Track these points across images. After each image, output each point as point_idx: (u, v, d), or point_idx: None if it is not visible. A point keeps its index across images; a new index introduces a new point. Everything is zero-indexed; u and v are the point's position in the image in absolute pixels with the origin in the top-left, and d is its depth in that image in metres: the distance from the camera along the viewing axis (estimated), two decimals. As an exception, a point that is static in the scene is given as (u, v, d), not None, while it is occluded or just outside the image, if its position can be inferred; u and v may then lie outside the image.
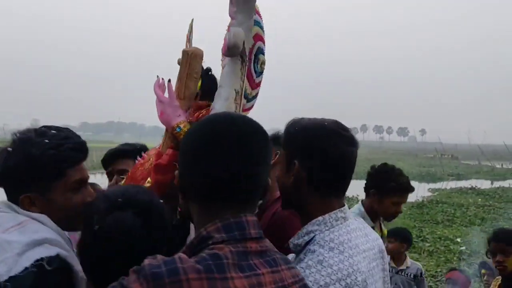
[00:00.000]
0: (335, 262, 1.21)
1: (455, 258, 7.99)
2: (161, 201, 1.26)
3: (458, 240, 9.24)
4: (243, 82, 1.84)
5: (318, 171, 1.30)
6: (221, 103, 1.64)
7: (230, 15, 1.84)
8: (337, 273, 1.19)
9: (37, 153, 1.31)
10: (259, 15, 2.14)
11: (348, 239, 1.28)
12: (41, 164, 1.30)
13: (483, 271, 3.58)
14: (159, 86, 1.94)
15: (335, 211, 1.32)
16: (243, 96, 2.05)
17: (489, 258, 3.00)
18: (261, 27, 2.10)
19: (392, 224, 11.60)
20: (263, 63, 2.09)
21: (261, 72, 2.15)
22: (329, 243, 1.25)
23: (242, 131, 1.02)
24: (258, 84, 2.18)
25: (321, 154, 1.30)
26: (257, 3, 2.11)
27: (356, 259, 1.24)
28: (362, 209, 2.83)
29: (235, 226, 0.98)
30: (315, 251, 1.25)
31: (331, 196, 1.34)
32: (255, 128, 1.06)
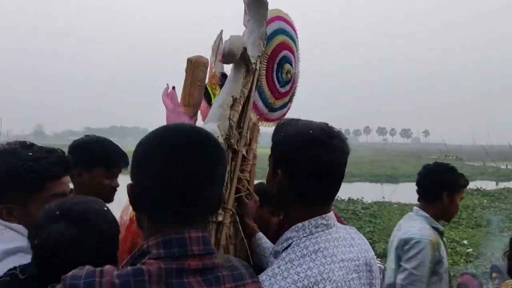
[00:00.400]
0: (303, 269, 1.18)
1: (461, 260, 7.92)
2: (105, 209, 1.28)
3: (465, 242, 9.18)
4: (251, 90, 1.80)
5: (299, 180, 1.29)
6: (215, 110, 1.64)
7: (244, 24, 1.86)
8: (303, 280, 1.16)
9: (17, 164, 1.35)
10: (290, 25, 2.12)
11: (324, 247, 1.24)
12: (20, 175, 1.34)
13: (494, 274, 3.52)
14: (167, 94, 1.98)
15: (315, 218, 1.29)
16: (262, 104, 2.03)
17: (504, 261, 2.93)
18: (290, 37, 2.09)
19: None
20: (288, 72, 2.06)
21: (287, 82, 2.11)
22: (302, 250, 1.23)
23: (184, 144, 1.00)
24: (285, 94, 2.15)
25: (301, 164, 1.27)
26: (289, 14, 2.09)
27: (328, 267, 1.20)
28: (426, 214, 2.65)
29: (176, 242, 0.97)
30: (285, 257, 1.23)
31: (314, 203, 1.31)
32: (203, 141, 1.03)
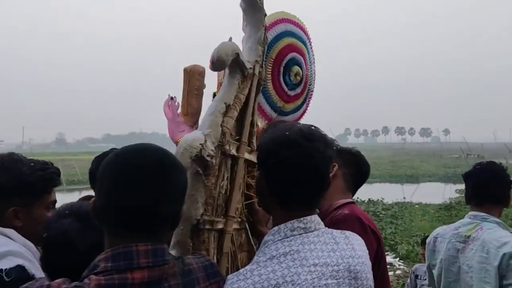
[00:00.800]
0: (267, 271, 1.17)
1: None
2: None
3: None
4: (250, 95, 1.77)
5: (274, 182, 1.28)
6: (206, 118, 1.64)
7: (242, 29, 1.86)
8: (263, 282, 1.14)
9: (28, 172, 1.54)
10: (300, 27, 2.11)
11: (296, 250, 1.21)
12: (31, 182, 1.53)
13: None
14: (168, 104, 2.04)
15: (292, 221, 1.26)
16: (270, 109, 2.02)
17: None
18: (299, 39, 2.08)
19: (421, 229, 11.35)
20: (298, 74, 2.05)
21: (297, 84, 2.09)
22: (272, 252, 1.22)
23: (135, 164, 1.05)
24: (296, 97, 2.13)
25: (273, 166, 1.26)
26: (299, 16, 2.09)
27: (294, 270, 1.17)
28: (496, 218, 2.37)
29: (123, 256, 1.01)
30: (255, 259, 1.23)
31: (292, 206, 1.28)
32: (155, 161, 1.07)
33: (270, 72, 1.99)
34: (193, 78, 1.97)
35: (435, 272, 2.43)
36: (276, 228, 1.27)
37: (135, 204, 1.03)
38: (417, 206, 15.39)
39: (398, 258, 8.84)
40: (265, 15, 1.82)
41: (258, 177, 1.32)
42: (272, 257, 1.20)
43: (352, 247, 1.32)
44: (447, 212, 13.28)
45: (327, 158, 1.28)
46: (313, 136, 1.27)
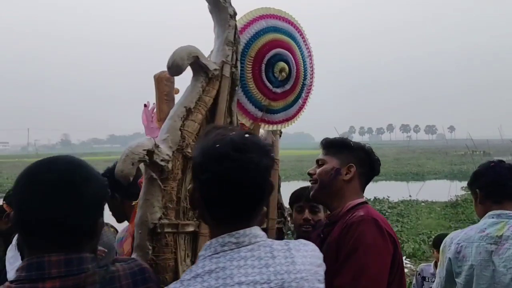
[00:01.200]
0: None
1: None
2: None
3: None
4: (218, 96, 1.77)
5: (207, 195, 1.20)
6: (165, 123, 1.68)
7: (213, 31, 1.85)
8: None
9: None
10: (287, 21, 2.05)
11: (223, 267, 1.13)
12: None
13: None
14: (145, 111, 2.12)
15: (223, 236, 1.18)
16: (253, 108, 2.00)
17: None
18: (285, 33, 2.03)
19: (427, 227, 11.27)
20: (283, 70, 1.99)
21: (284, 81, 2.04)
22: (197, 270, 1.15)
23: (44, 179, 1.10)
24: (284, 94, 2.08)
25: (206, 180, 1.18)
26: (289, 12, 2.06)
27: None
28: None
29: (36, 266, 1.07)
30: (181, 278, 1.17)
31: (223, 220, 1.21)
32: (66, 175, 1.12)
33: (251, 71, 1.96)
34: (161, 84, 2.00)
35: (460, 280, 2.27)
36: (208, 242, 1.21)
37: (42, 218, 1.08)
38: (423, 204, 15.33)
39: (404, 257, 8.81)
40: (234, 14, 1.81)
41: (192, 190, 1.26)
42: (197, 275, 1.13)
43: (292, 261, 1.21)
44: (453, 210, 13.22)
45: (263, 169, 1.20)
46: (246, 146, 1.18)
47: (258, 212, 1.26)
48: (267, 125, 2.12)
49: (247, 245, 1.19)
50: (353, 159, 1.90)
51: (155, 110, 2.13)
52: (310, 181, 1.97)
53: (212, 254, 1.17)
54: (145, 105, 2.20)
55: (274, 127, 2.16)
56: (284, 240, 1.31)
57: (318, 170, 1.92)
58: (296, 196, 2.32)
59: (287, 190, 2.41)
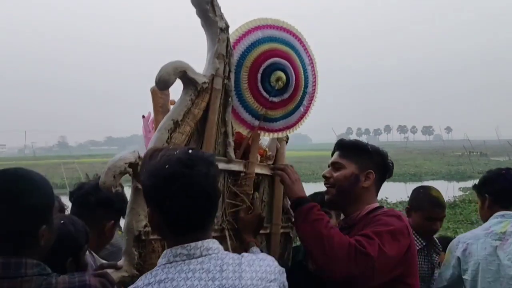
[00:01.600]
0: None
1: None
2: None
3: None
4: (214, 109, 1.83)
5: (161, 213, 1.27)
6: (153, 135, 1.74)
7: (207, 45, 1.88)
8: None
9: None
10: (285, 30, 2.06)
11: (171, 279, 1.20)
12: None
13: None
14: (144, 122, 2.25)
15: (176, 247, 1.26)
16: (250, 117, 2.03)
17: None
18: (283, 42, 2.04)
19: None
20: (280, 79, 2.00)
21: (282, 90, 2.03)
22: (150, 279, 1.22)
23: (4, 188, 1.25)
24: (283, 103, 2.08)
25: (164, 200, 1.24)
26: (294, 25, 2.08)
27: None
28: None
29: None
30: (135, 283, 1.25)
31: (177, 232, 1.28)
32: (5, 188, 1.25)
33: (247, 81, 1.99)
34: (156, 97, 2.10)
35: (468, 276, 2.35)
36: (164, 252, 1.29)
37: None
38: (421, 204, 15.29)
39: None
40: (227, 27, 1.84)
41: (149, 214, 1.31)
42: (149, 283, 1.21)
43: (239, 276, 1.26)
44: (451, 210, 13.23)
45: (211, 178, 1.28)
46: (192, 161, 1.25)
47: (212, 219, 1.36)
48: (267, 133, 2.14)
49: (198, 257, 1.24)
50: (371, 165, 1.90)
51: (152, 120, 2.24)
52: (325, 184, 1.96)
53: (165, 263, 1.25)
54: (143, 116, 2.31)
55: (275, 135, 2.17)
56: (242, 253, 1.37)
57: (335, 175, 1.91)
58: None
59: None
